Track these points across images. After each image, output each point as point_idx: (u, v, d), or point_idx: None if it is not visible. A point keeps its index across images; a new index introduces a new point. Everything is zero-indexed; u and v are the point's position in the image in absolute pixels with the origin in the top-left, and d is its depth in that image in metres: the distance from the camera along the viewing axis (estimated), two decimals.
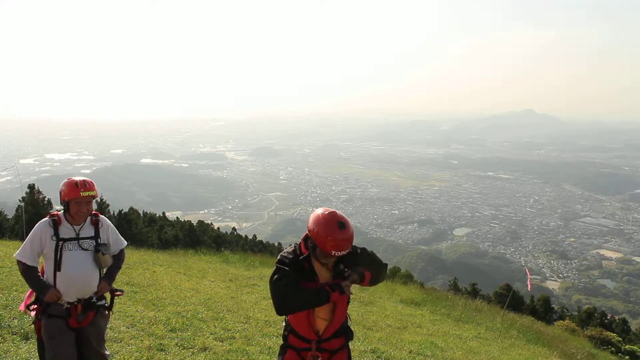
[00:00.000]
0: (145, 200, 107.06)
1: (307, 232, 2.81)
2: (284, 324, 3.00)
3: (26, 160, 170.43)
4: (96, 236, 3.46)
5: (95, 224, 3.50)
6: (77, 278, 3.31)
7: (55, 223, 3.35)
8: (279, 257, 2.85)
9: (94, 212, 3.54)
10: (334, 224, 2.67)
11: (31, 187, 15.00)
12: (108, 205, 16.67)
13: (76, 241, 3.37)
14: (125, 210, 18.37)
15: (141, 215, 20.28)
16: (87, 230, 3.45)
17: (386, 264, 3.12)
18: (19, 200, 14.28)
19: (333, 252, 2.66)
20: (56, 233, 3.32)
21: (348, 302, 3.00)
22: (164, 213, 23.23)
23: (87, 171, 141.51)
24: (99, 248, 3.41)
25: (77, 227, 3.40)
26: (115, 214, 16.94)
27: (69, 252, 3.32)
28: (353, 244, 2.86)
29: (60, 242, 3.31)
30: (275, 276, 2.74)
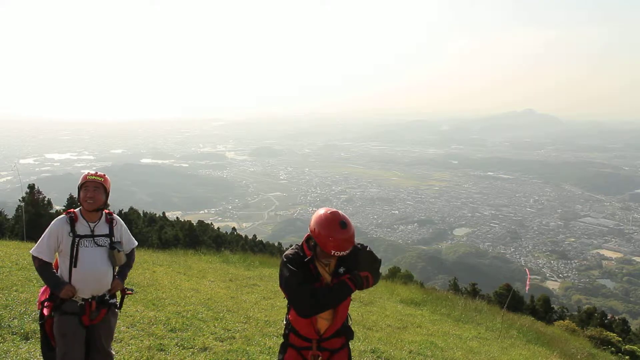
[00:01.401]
0: (145, 200, 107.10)
1: (309, 232, 2.81)
2: (284, 323, 3.00)
3: (26, 160, 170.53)
4: (110, 234, 3.51)
5: (110, 222, 3.57)
6: (92, 275, 3.35)
7: (72, 220, 3.40)
8: (286, 259, 2.79)
9: (108, 211, 3.60)
10: (335, 224, 2.67)
11: (31, 187, 15.03)
12: (108, 205, 16.66)
13: (91, 238, 3.41)
14: (125, 210, 18.40)
15: (141, 215, 20.33)
16: (102, 227, 3.50)
17: (380, 260, 3.04)
18: (19, 200, 14.31)
19: (333, 252, 2.66)
20: (72, 229, 3.36)
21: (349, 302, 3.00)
22: (164, 213, 23.29)
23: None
24: (114, 245, 3.46)
25: (92, 224, 3.46)
26: (116, 214, 16.94)
27: (85, 249, 3.36)
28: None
29: (77, 239, 3.35)
30: (293, 279, 2.69)
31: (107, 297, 3.45)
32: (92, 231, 3.44)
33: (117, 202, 27.74)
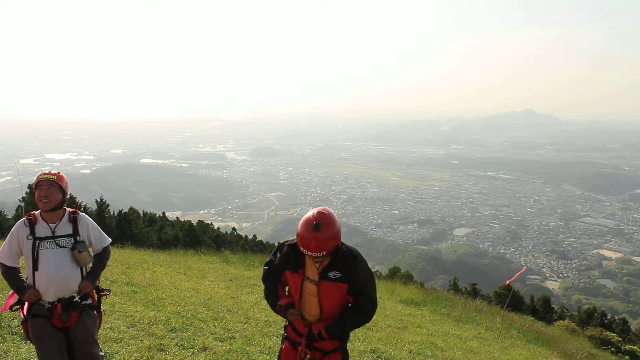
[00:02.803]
0: (145, 200, 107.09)
1: None
2: None
3: (26, 160, 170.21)
4: (75, 234, 3.36)
5: (74, 221, 3.40)
6: (54, 277, 3.24)
7: (31, 222, 3.28)
8: (282, 242, 3.07)
9: (72, 210, 3.45)
10: (309, 224, 2.69)
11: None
12: (108, 205, 16.65)
13: (52, 240, 3.28)
14: (125, 210, 18.35)
15: (141, 215, 20.29)
16: (65, 228, 3.35)
17: (373, 274, 3.02)
18: (19, 200, 14.27)
19: (302, 249, 2.72)
20: (32, 232, 3.26)
21: (348, 304, 2.95)
22: (164, 213, 23.24)
23: (87, 171, 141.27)
24: (74, 246, 3.31)
25: (52, 225, 3.32)
26: (115, 214, 16.92)
27: (45, 251, 3.25)
28: (355, 251, 2.90)
29: (37, 241, 3.24)
30: (268, 259, 3.13)
31: (77, 299, 3.32)
32: (53, 232, 3.29)
33: (117, 202, 27.79)
